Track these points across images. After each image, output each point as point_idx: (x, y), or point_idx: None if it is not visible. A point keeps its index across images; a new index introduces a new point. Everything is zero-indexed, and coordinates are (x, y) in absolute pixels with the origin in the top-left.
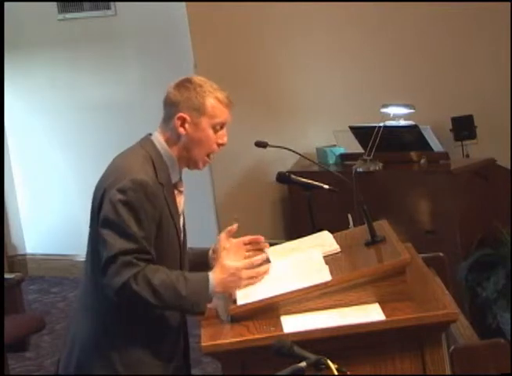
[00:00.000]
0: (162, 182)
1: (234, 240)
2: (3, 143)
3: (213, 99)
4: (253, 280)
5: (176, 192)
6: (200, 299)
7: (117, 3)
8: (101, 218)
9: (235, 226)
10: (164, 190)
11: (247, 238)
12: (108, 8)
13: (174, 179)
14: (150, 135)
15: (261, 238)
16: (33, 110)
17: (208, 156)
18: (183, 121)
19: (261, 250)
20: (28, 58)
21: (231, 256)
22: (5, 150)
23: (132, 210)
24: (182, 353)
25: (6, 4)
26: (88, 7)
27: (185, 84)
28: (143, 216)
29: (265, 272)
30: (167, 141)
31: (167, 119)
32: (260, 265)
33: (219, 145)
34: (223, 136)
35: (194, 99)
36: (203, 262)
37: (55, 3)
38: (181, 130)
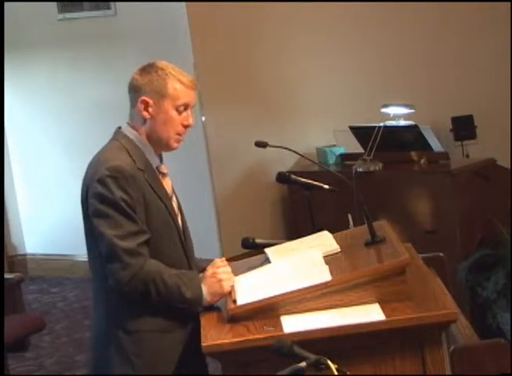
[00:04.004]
0: (141, 167)
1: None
2: (3, 143)
3: (175, 81)
4: (229, 276)
5: (161, 176)
6: (195, 305)
7: (117, 3)
8: (91, 212)
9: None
10: (145, 175)
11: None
12: (108, 8)
13: (154, 163)
14: (120, 127)
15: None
16: (33, 110)
17: (177, 135)
18: (146, 104)
19: None
20: (28, 58)
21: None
22: (5, 150)
23: (117, 196)
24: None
25: (6, 4)
26: (88, 7)
27: (146, 69)
28: (129, 199)
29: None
30: (136, 127)
31: (133, 105)
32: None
33: (185, 126)
34: (188, 117)
35: (156, 82)
36: None
37: (55, 3)
38: (145, 114)
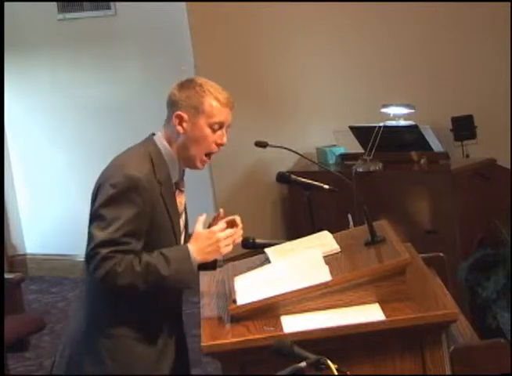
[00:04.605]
0: (160, 179)
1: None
2: (3, 143)
3: (211, 99)
4: (230, 239)
5: (177, 192)
6: (183, 276)
7: (117, 3)
8: (93, 211)
9: (222, 211)
10: (162, 188)
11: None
12: (108, 8)
13: (174, 178)
14: (153, 134)
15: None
16: (33, 110)
17: (207, 155)
18: (181, 119)
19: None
20: (28, 58)
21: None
22: (5, 150)
23: (121, 204)
24: (176, 345)
25: (6, 4)
26: (88, 7)
27: (186, 84)
28: (132, 210)
29: (238, 230)
30: (168, 140)
31: (169, 118)
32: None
33: (218, 145)
34: (222, 136)
35: (193, 98)
36: None
37: (55, 3)
38: (179, 128)
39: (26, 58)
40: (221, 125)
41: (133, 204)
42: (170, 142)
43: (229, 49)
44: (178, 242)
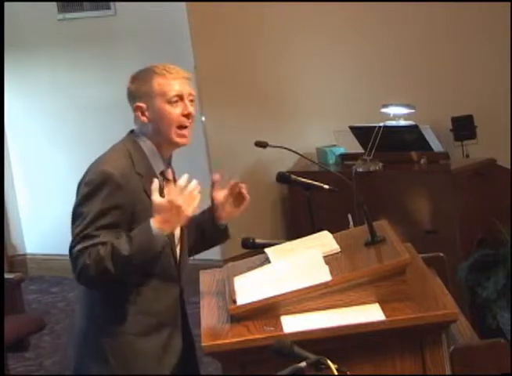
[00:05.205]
0: (140, 172)
1: (221, 193)
2: (3, 143)
3: (158, 78)
4: (193, 199)
5: (165, 182)
6: (144, 246)
7: (117, 3)
8: (72, 212)
9: (217, 177)
10: (143, 180)
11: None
12: (108, 8)
13: (158, 168)
14: (132, 131)
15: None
16: (33, 110)
17: (180, 128)
18: (141, 109)
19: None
20: (28, 58)
21: (230, 207)
22: (5, 150)
23: (94, 199)
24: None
25: (6, 4)
26: (88, 7)
27: (135, 75)
28: (104, 204)
29: (196, 186)
30: (143, 133)
31: (134, 113)
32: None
33: (185, 115)
34: (186, 106)
35: (143, 85)
36: None
37: (55, 3)
38: (143, 119)
39: (26, 58)
40: (180, 97)
41: (105, 197)
42: (145, 134)
43: (229, 49)
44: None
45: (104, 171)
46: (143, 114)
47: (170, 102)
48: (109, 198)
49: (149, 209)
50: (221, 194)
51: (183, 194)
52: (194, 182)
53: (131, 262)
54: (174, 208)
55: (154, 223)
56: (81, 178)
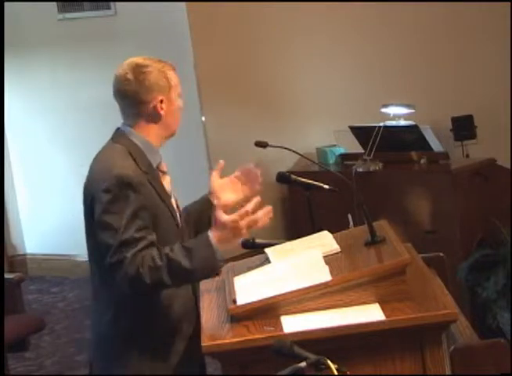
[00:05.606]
0: (144, 169)
1: (225, 179)
2: (3, 143)
3: (168, 71)
4: (253, 226)
5: (161, 174)
6: (207, 263)
7: (117, 3)
8: (96, 222)
9: (222, 163)
10: (149, 177)
11: (238, 172)
12: (108, 8)
13: (155, 163)
14: (118, 129)
15: (250, 166)
16: (33, 110)
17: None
18: (161, 102)
19: (255, 179)
20: (28, 58)
21: (230, 194)
22: (5, 150)
23: (121, 204)
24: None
25: (6, 4)
26: (88, 7)
27: (140, 71)
28: (133, 207)
29: (266, 215)
30: (147, 131)
31: (135, 108)
32: (255, 210)
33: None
34: (181, 100)
35: (160, 79)
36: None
37: (55, 3)
38: (161, 112)
39: (26, 58)
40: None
41: (131, 201)
42: (148, 133)
43: (229, 49)
44: (177, 223)
45: (120, 174)
46: (162, 108)
47: (179, 95)
48: (135, 200)
49: (159, 207)
50: (219, 181)
51: (248, 218)
52: (268, 208)
53: (191, 277)
54: (236, 229)
55: (214, 239)
56: (88, 186)
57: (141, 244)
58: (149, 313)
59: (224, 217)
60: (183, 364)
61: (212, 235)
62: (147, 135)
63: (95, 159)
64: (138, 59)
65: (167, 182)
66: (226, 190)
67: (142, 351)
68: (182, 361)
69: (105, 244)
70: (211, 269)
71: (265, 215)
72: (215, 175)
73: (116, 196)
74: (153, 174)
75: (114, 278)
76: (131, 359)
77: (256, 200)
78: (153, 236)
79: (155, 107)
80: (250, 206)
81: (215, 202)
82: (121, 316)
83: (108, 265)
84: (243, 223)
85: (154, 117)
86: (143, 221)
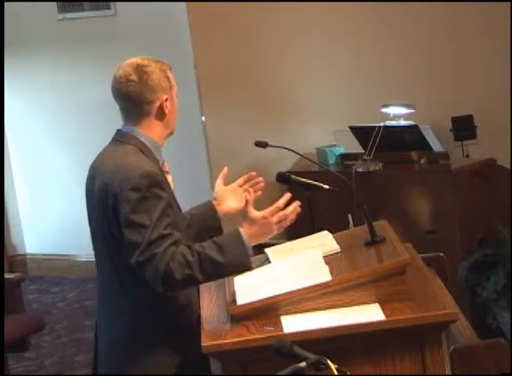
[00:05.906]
0: (159, 167)
1: (228, 187)
2: (3, 143)
3: (167, 71)
4: (283, 223)
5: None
6: (239, 260)
7: (117, 3)
8: (124, 221)
9: (225, 170)
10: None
11: (241, 179)
12: (108, 8)
13: (161, 160)
14: (120, 130)
15: (253, 173)
16: (33, 110)
17: None
18: (166, 101)
19: (258, 184)
20: (28, 58)
21: (233, 202)
22: (5, 150)
23: (149, 202)
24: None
25: (6, 4)
26: (88, 7)
27: (142, 71)
28: (161, 204)
29: (293, 212)
30: (152, 131)
31: (139, 109)
32: (286, 206)
33: None
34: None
35: (163, 79)
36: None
37: (55, 3)
38: (166, 111)
39: (26, 58)
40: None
41: (159, 198)
42: (153, 132)
43: (229, 49)
44: (183, 219)
45: (146, 172)
46: (166, 106)
47: (176, 94)
48: (163, 197)
49: (173, 204)
50: (223, 188)
51: (278, 214)
52: (296, 204)
53: (223, 273)
54: (267, 225)
55: (245, 235)
56: (108, 188)
57: (169, 240)
58: (169, 313)
59: (254, 213)
60: (198, 360)
61: (243, 231)
62: (153, 134)
63: (108, 161)
64: (138, 60)
65: (169, 180)
66: (229, 198)
67: (160, 351)
68: (197, 357)
69: (133, 242)
70: (243, 266)
71: (291, 212)
72: (219, 182)
73: (144, 194)
74: (162, 172)
75: (144, 276)
76: (150, 360)
77: (287, 196)
78: (178, 233)
79: (161, 106)
80: (281, 201)
81: (218, 209)
82: (139, 318)
83: (136, 263)
84: (273, 219)
85: (159, 116)
86: (170, 218)
